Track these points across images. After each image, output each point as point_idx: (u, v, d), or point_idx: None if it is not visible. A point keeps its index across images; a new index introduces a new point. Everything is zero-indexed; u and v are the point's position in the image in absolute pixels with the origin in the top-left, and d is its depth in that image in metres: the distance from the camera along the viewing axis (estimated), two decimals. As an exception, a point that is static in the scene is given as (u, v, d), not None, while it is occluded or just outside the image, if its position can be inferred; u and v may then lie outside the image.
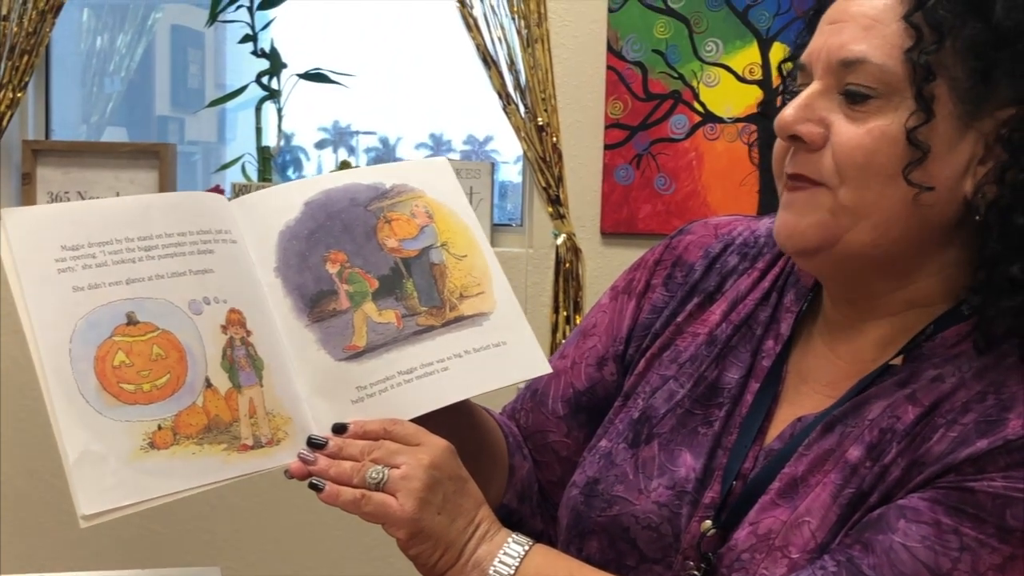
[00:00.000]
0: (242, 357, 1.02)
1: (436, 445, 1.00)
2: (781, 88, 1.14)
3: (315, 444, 1.01)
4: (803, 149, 1.01)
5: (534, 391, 1.24)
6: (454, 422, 1.09)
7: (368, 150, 4.38)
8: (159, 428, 0.96)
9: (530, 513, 1.22)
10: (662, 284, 1.20)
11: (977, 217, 0.99)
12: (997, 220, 0.98)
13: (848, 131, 0.99)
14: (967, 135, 0.98)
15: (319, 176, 1.19)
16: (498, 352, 1.09)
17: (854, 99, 0.99)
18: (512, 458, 1.21)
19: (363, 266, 1.09)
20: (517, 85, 2.73)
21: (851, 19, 1.00)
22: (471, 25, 2.73)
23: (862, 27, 0.99)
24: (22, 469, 3.02)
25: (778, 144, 1.04)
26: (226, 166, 3.05)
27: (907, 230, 1.00)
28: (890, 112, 0.97)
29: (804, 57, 1.04)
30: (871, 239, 1.00)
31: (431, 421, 1.03)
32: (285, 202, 1.10)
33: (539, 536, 1.06)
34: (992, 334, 0.99)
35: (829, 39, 1.01)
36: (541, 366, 1.12)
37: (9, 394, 2.96)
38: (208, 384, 0.99)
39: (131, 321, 0.98)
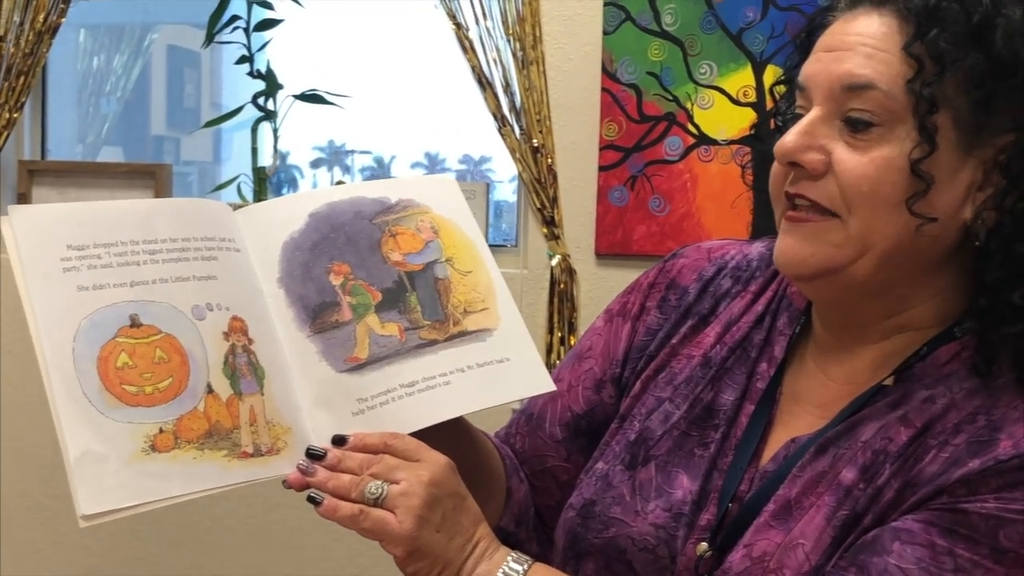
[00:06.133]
0: (244, 364, 1.02)
1: (436, 462, 1.00)
2: (774, 110, 1.15)
3: (314, 455, 1.01)
4: (804, 176, 1.01)
5: (529, 415, 1.24)
6: (453, 439, 1.09)
7: (363, 169, 4.38)
8: (160, 431, 0.96)
9: (526, 536, 1.22)
10: (656, 307, 1.20)
11: (977, 243, 1.00)
12: (998, 247, 0.99)
13: (851, 160, 0.99)
14: (967, 162, 0.99)
15: (324, 188, 1.19)
16: (501, 368, 1.09)
17: (856, 126, 0.99)
18: (509, 480, 1.21)
19: (366, 278, 1.09)
20: (512, 107, 2.74)
21: (851, 48, 1.00)
22: (467, 47, 2.74)
23: (864, 55, 0.99)
24: (15, 490, 3.02)
25: (776, 167, 1.05)
26: (222, 186, 3.06)
27: (908, 258, 1.00)
28: (893, 141, 0.98)
29: (803, 80, 1.04)
30: (874, 268, 1.00)
31: (430, 437, 1.03)
32: (289, 213, 1.11)
33: (535, 560, 1.06)
34: (992, 359, 0.99)
35: (829, 66, 1.01)
36: (544, 384, 1.12)
37: (4, 413, 2.96)
38: (209, 390, 0.99)
39: (134, 323, 0.99)
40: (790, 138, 1.01)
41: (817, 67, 1.02)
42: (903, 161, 0.97)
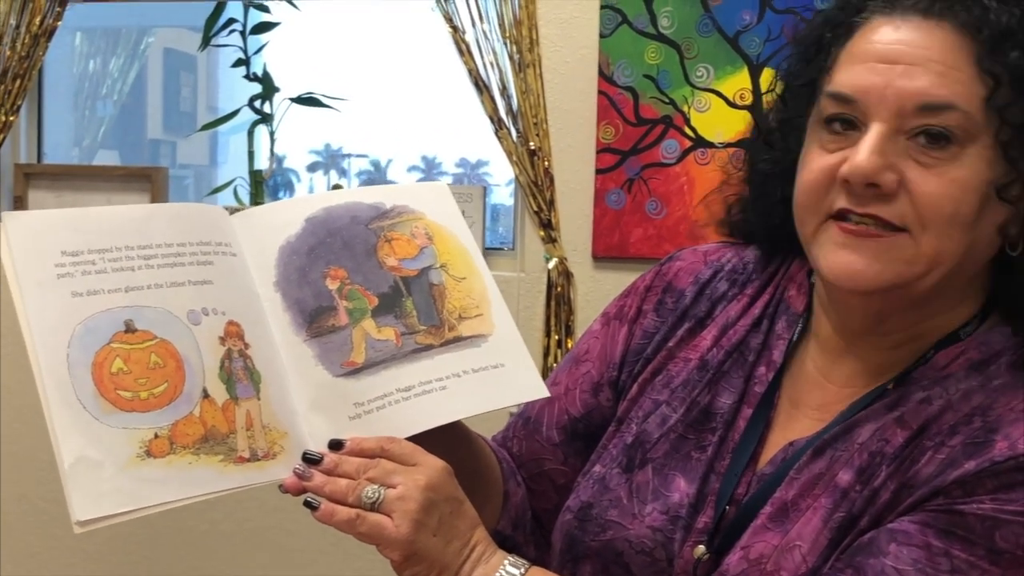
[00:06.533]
0: (240, 369, 1.02)
1: (433, 466, 1.00)
2: (776, 109, 1.13)
3: (310, 459, 1.01)
4: (873, 195, 0.98)
5: (526, 419, 1.24)
6: (450, 443, 1.09)
7: (360, 173, 4.38)
8: (156, 436, 0.96)
9: (523, 540, 1.22)
10: (653, 310, 1.20)
11: (1014, 253, 1.00)
12: None
13: (930, 181, 0.96)
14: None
15: (320, 193, 1.19)
16: (496, 374, 1.09)
17: (933, 141, 0.96)
18: (506, 484, 1.21)
19: (363, 283, 1.09)
20: (509, 110, 2.74)
21: (917, 62, 0.97)
22: (463, 50, 2.74)
23: (937, 73, 0.96)
24: (14, 494, 3.02)
25: (814, 179, 1.01)
26: (218, 189, 3.06)
27: (961, 272, 1.00)
28: (965, 160, 0.96)
29: (850, 91, 0.99)
30: (935, 282, 0.99)
31: (427, 441, 1.03)
32: (286, 218, 1.11)
33: (532, 563, 1.06)
34: None
35: (896, 81, 0.97)
36: (538, 390, 1.12)
37: (3, 417, 2.96)
38: (205, 395, 0.99)
39: (129, 328, 0.98)
40: (864, 157, 0.97)
41: (875, 80, 0.98)
42: (977, 180, 0.96)
